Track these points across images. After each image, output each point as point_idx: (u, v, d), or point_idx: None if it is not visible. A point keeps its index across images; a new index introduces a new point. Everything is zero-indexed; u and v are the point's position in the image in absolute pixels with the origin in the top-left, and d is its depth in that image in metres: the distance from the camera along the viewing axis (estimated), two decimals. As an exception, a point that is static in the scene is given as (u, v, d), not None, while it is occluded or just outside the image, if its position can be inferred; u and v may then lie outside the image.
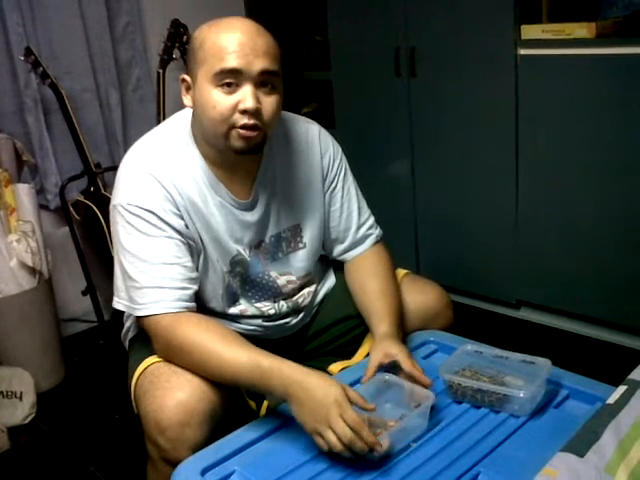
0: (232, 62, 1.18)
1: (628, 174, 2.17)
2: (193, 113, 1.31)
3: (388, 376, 1.27)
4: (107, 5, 2.74)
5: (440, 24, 2.51)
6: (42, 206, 2.64)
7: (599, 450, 1.00)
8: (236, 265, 1.39)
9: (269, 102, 1.23)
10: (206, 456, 1.16)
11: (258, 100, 1.20)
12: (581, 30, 2.18)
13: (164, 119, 2.57)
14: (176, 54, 2.64)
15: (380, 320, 1.38)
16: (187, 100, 1.29)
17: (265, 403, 1.38)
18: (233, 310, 1.44)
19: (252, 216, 1.37)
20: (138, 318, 1.30)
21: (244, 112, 1.20)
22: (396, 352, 1.29)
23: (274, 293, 1.46)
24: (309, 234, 1.47)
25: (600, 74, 2.16)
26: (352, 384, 1.33)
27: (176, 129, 1.34)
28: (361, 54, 2.79)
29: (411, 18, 2.58)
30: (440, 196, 2.72)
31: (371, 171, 2.80)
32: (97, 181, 2.59)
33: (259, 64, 1.19)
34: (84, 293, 2.62)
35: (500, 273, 2.62)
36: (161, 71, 2.61)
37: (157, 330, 1.26)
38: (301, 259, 1.47)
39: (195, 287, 1.31)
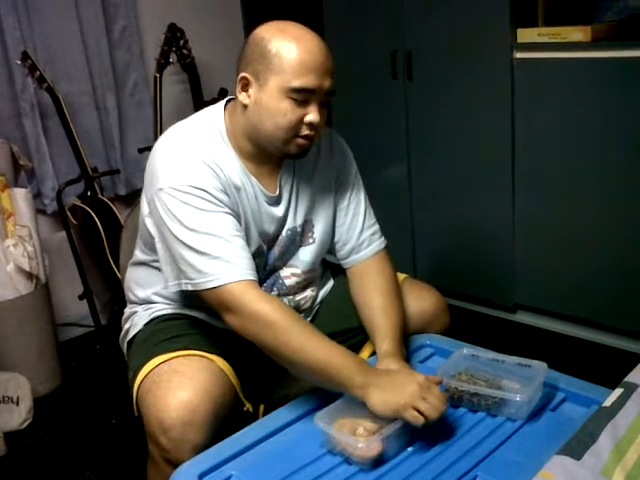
0: (311, 82, 1.26)
1: (625, 176, 2.18)
2: (240, 110, 1.33)
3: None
4: (104, 9, 2.75)
5: (437, 27, 2.52)
6: (39, 210, 2.63)
7: (595, 453, 1.00)
8: (256, 257, 1.40)
9: (323, 115, 1.32)
10: (203, 460, 1.16)
11: (320, 114, 1.30)
12: (577, 34, 2.19)
13: (161, 123, 2.62)
14: (173, 58, 2.65)
15: (382, 339, 1.38)
16: (243, 98, 1.32)
17: (262, 407, 1.38)
18: None
19: (278, 211, 1.42)
20: (205, 293, 1.27)
21: (309, 124, 1.29)
22: (397, 369, 1.29)
23: (278, 286, 1.47)
24: (319, 230, 1.49)
25: (596, 77, 2.17)
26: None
27: (210, 123, 1.37)
28: (358, 57, 2.79)
29: (408, 21, 2.59)
30: (437, 199, 2.72)
31: (368, 174, 2.77)
32: (94, 185, 2.59)
33: (328, 85, 1.29)
34: (81, 297, 2.62)
35: (497, 276, 2.62)
36: (158, 75, 2.61)
37: (238, 299, 1.24)
38: (309, 254, 1.49)
39: None
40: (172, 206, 1.27)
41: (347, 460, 1.14)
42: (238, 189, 1.35)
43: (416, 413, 1.13)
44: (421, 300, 1.56)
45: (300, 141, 1.31)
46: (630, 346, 2.33)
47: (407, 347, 1.47)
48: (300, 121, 1.28)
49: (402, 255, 2.79)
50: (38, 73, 2.44)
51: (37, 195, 2.67)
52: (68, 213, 2.58)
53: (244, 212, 1.36)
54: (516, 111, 2.37)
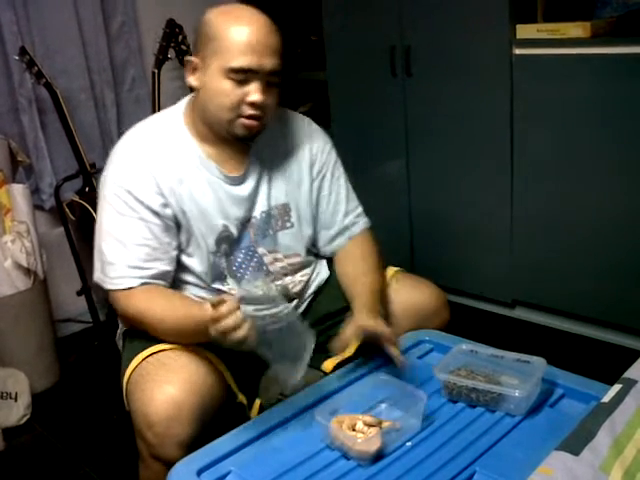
0: (246, 62, 1.27)
1: (624, 172, 2.17)
2: (195, 94, 1.37)
3: (383, 376, 1.28)
4: (102, 5, 2.74)
5: (435, 23, 2.51)
6: (37, 206, 2.63)
7: (594, 449, 1.00)
8: (222, 242, 1.42)
9: (271, 95, 1.33)
10: (202, 456, 1.16)
11: (264, 94, 1.30)
12: (576, 30, 2.18)
13: (159, 119, 2.61)
14: (171, 54, 2.63)
15: (359, 295, 1.42)
16: (192, 81, 1.35)
17: (257, 402, 1.38)
18: (220, 288, 1.45)
19: (242, 190, 1.43)
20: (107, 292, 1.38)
21: (251, 104, 1.30)
22: (371, 322, 1.33)
23: (263, 271, 1.48)
24: (297, 215, 1.51)
25: (595, 74, 2.17)
26: (349, 384, 1.34)
27: (169, 113, 1.44)
28: (357, 54, 2.79)
29: (406, 17, 2.58)
30: (435, 195, 2.72)
31: (367, 170, 2.80)
32: (92, 181, 2.58)
33: (269, 65, 1.29)
34: (79, 293, 2.61)
35: (495, 272, 2.62)
36: (156, 71, 2.60)
37: (118, 303, 1.36)
38: (289, 238, 1.51)
39: (164, 267, 1.36)
40: (101, 202, 1.37)
41: (345, 455, 1.14)
42: (183, 181, 1.37)
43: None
44: (420, 294, 1.56)
45: (245, 121, 1.32)
46: (629, 342, 2.33)
47: (406, 343, 1.47)
48: (242, 101, 1.30)
49: (400, 250, 2.79)
50: (36, 68, 2.43)
51: (35, 191, 2.67)
52: (66, 209, 2.57)
53: (194, 203, 1.38)
54: (515, 107, 2.37)
